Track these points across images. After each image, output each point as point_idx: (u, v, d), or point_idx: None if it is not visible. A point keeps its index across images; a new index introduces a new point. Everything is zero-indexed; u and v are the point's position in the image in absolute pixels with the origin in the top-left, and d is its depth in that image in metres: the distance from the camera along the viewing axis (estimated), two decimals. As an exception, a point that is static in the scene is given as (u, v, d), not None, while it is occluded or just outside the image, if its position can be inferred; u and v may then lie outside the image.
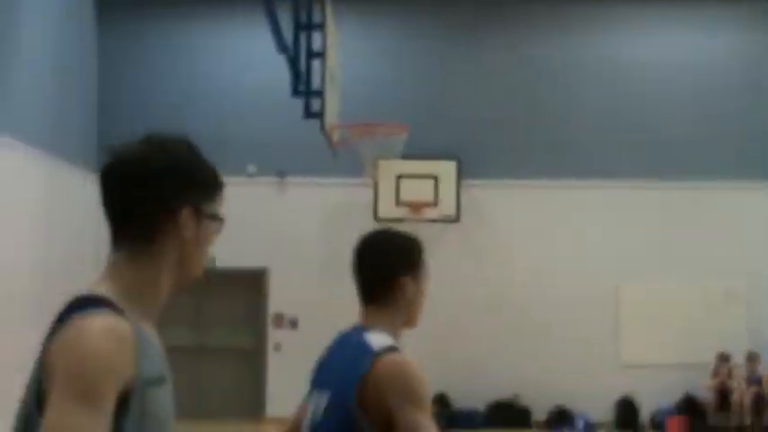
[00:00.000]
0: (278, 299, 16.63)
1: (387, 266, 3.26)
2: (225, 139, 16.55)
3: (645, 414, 16.15)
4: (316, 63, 11.46)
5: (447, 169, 16.32)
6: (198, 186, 2.24)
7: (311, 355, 14.27)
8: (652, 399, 16.10)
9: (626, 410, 16.05)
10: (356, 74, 15.65)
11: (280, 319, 16.68)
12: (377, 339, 3.02)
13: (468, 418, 16.15)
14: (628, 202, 16.48)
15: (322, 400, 3.06)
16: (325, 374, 3.17)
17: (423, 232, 17.41)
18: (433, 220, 16.31)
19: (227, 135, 16.49)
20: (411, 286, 3.22)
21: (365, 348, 2.98)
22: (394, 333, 3.12)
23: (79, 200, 16.10)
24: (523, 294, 16.29)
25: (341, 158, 14.31)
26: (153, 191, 2.17)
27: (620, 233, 16.43)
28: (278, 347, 16.55)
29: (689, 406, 16.10)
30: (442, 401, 16.20)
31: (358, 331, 3.16)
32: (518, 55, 16.93)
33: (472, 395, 16.14)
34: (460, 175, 16.30)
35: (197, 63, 16.90)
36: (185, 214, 2.21)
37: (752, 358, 16.05)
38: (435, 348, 16.31)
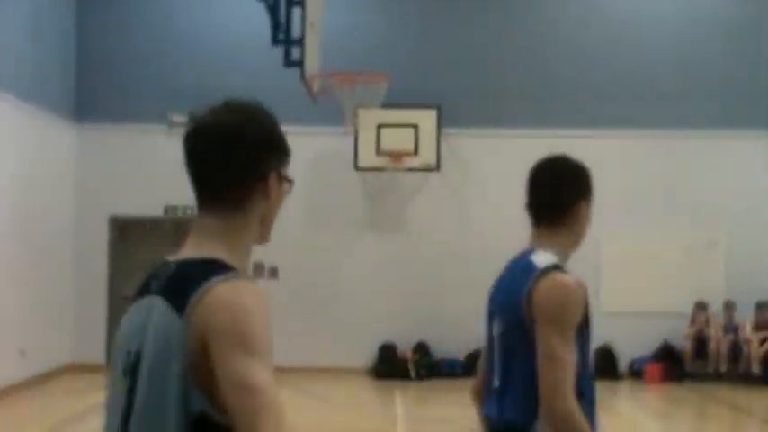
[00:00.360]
0: (257, 248, 16.46)
1: (568, 190, 3.42)
2: (203, 88, 16.41)
3: (624, 362, 16.32)
4: (296, 11, 11.36)
5: (427, 118, 16.27)
6: (280, 152, 2.38)
7: (292, 304, 14.59)
8: (631, 347, 16.26)
9: (605, 358, 16.20)
10: (336, 22, 15.51)
11: (260, 269, 16.68)
12: (543, 258, 3.28)
13: (448, 366, 16.27)
14: (610, 151, 16.47)
15: (495, 323, 3.31)
16: (496, 300, 3.41)
17: (403, 181, 17.62)
18: (414, 169, 16.31)
19: (206, 84, 16.35)
20: (585, 210, 3.43)
21: (531, 267, 3.26)
22: (564, 254, 3.38)
23: (57, 147, 16.00)
24: (504, 244, 16.28)
25: (321, 107, 14.23)
26: (249, 157, 2.28)
27: (603, 183, 16.37)
28: (258, 297, 16.56)
29: (667, 354, 16.27)
30: (422, 350, 16.31)
31: (526, 253, 3.42)
32: (500, 1, 16.82)
33: (452, 344, 16.24)
34: (441, 123, 16.26)
35: (176, 12, 16.72)
36: (272, 178, 2.34)
37: (729, 307, 16.20)
38: (416, 297, 16.40)
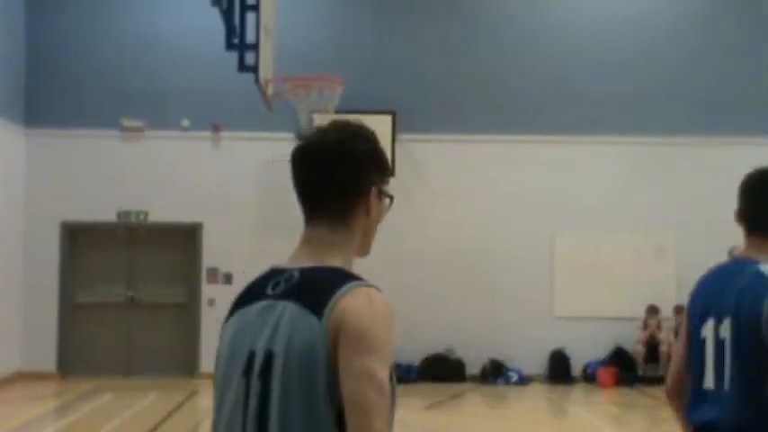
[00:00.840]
0: (212, 254, 16.52)
1: None
2: (158, 93, 16.33)
3: (577, 366, 16.43)
4: (250, 16, 11.32)
5: (383, 123, 16.26)
6: (381, 169, 2.51)
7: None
8: (584, 351, 16.38)
9: (558, 363, 16.31)
10: (291, 27, 15.48)
11: (214, 275, 16.59)
12: None
13: (403, 371, 16.28)
14: (562, 156, 16.62)
15: (723, 327, 3.33)
16: (724, 305, 3.39)
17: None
18: (369, 175, 16.29)
19: (161, 88, 16.27)
20: None
21: (765, 279, 3.25)
22: None
23: (7, 152, 15.80)
24: (459, 248, 16.38)
25: (276, 112, 14.18)
26: (352, 174, 2.43)
27: (556, 188, 16.57)
28: (212, 303, 16.46)
29: (619, 358, 16.42)
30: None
31: (750, 263, 3.41)
32: (455, 8, 16.89)
33: (407, 349, 16.24)
34: (396, 129, 16.28)
35: (129, 16, 16.57)
36: (373, 194, 2.47)
37: (679, 311, 16.38)
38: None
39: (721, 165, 16.56)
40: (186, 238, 16.63)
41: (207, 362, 16.29)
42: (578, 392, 15.76)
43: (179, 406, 13.70)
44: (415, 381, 16.10)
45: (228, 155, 16.58)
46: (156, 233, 16.63)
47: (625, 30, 16.79)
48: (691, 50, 16.80)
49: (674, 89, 16.67)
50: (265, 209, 16.52)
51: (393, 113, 16.25)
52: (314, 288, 2.32)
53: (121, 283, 16.64)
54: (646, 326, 16.46)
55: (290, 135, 15.52)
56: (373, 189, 2.47)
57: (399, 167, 16.36)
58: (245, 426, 2.30)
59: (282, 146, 16.44)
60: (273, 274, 2.43)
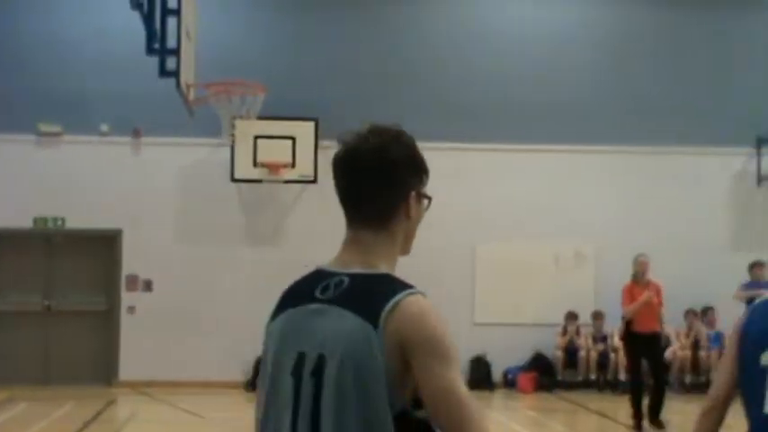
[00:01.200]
0: (132, 261, 16.31)
1: None
2: (77, 97, 16.07)
3: (497, 372, 16.58)
4: (171, 20, 11.21)
5: (305, 130, 16.26)
6: (420, 172, 2.57)
7: (166, 317, 14.26)
8: (504, 357, 16.54)
9: (479, 369, 16.44)
10: (214, 33, 15.37)
11: (133, 282, 16.38)
12: None
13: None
14: (483, 165, 16.77)
15: None
16: None
17: (280, 193, 17.50)
18: (291, 181, 16.28)
19: (80, 92, 16.02)
20: None
21: None
22: None
23: None
24: (380, 256, 16.41)
25: (198, 118, 14.05)
26: (392, 179, 2.50)
27: (477, 196, 16.71)
28: (131, 310, 16.26)
29: (539, 363, 16.62)
30: (298, 363, 16.24)
31: None
32: (380, 16, 16.94)
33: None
34: (318, 135, 16.27)
35: (48, 18, 16.28)
36: (412, 198, 2.53)
37: (597, 317, 16.65)
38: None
39: (640, 174, 16.91)
40: (105, 244, 16.39)
41: (126, 370, 16.07)
42: (499, 398, 15.91)
43: (96, 415, 13.47)
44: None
45: (149, 160, 16.40)
46: (74, 240, 16.36)
47: (546, 40, 17.01)
48: (615, 61, 17.08)
49: (596, 99, 16.93)
50: (187, 215, 16.37)
51: (316, 120, 16.23)
52: (366, 295, 2.40)
53: (38, 291, 16.33)
54: (565, 332, 16.69)
55: (213, 141, 15.42)
56: (412, 193, 2.54)
57: (322, 174, 16.34)
58: (296, 425, 2.40)
59: (204, 151, 16.38)
60: (321, 277, 2.52)
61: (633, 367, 12.72)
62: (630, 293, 12.56)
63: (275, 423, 2.45)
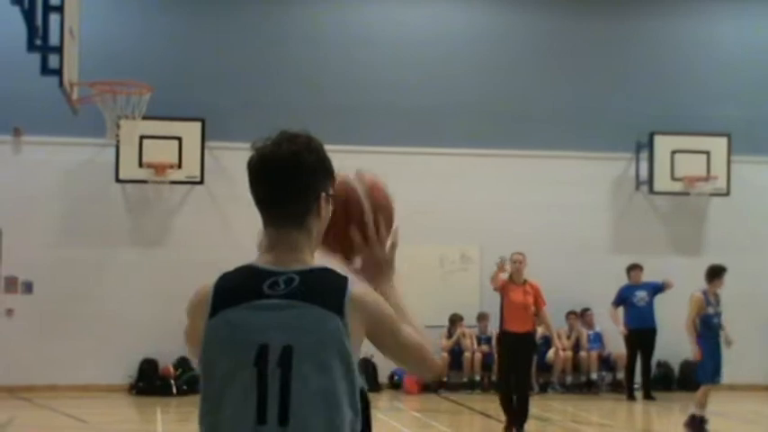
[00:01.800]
0: (11, 262, 15.88)
1: None
2: (-47, 93, 15.59)
3: (383, 374, 16.68)
4: (54, 17, 10.98)
5: (192, 130, 16.12)
6: (329, 175, 2.82)
7: (48, 319, 13.95)
8: (390, 360, 16.61)
9: (365, 371, 16.51)
10: (99, 30, 15.11)
11: (12, 283, 15.96)
12: None
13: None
14: (370, 167, 16.78)
15: None
16: None
17: (166, 194, 17.25)
18: (178, 182, 16.11)
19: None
20: None
21: None
22: None
23: None
24: (268, 258, 16.35)
25: (82, 117, 13.77)
26: (305, 182, 2.73)
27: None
28: (10, 313, 15.85)
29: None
30: (184, 365, 16.07)
31: None
32: (268, 16, 16.89)
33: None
34: (205, 136, 16.14)
35: None
36: (323, 198, 2.77)
37: (482, 318, 16.91)
38: (179, 312, 16.07)
39: (524, 177, 17.25)
40: (-17, 245, 15.94)
41: (4, 374, 15.62)
42: (385, 399, 16.01)
43: (-26, 421, 13.08)
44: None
45: (30, 160, 16.01)
46: (-49, 240, 15.88)
47: (433, 43, 17.21)
48: (499, 65, 17.38)
49: (481, 103, 17.19)
50: (70, 215, 16.05)
51: (202, 120, 16.11)
52: (322, 289, 2.64)
53: None
54: (450, 334, 16.89)
55: (97, 141, 15.14)
56: (323, 194, 2.76)
57: (208, 175, 16.24)
58: (263, 415, 2.55)
59: (88, 151, 16.08)
60: (262, 274, 2.67)
61: (502, 367, 12.49)
62: (504, 290, 12.21)
63: (233, 415, 2.58)
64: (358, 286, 2.71)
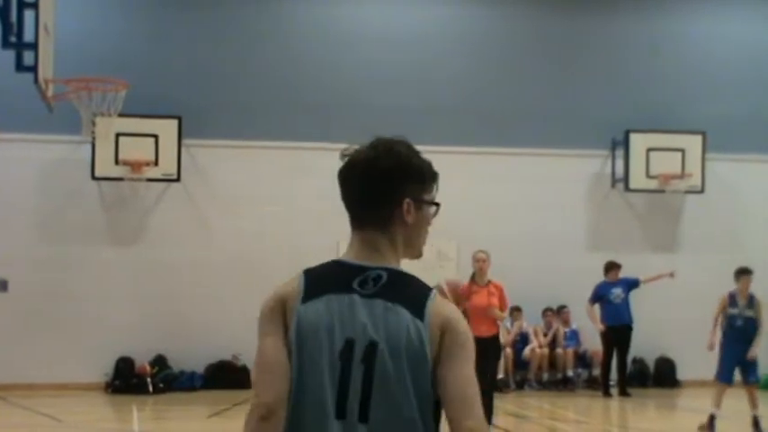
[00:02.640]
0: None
1: None
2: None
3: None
4: (28, 14, 10.91)
5: (168, 128, 16.06)
6: (416, 180, 2.79)
7: (24, 318, 13.87)
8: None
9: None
10: (75, 27, 15.05)
11: (-12, 282, 15.86)
12: None
13: (187, 379, 16.10)
14: (338, 164, 16.85)
15: None
16: None
17: (142, 192, 17.16)
18: (154, 180, 16.06)
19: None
20: None
21: None
22: None
23: None
24: (243, 255, 16.33)
25: (57, 114, 13.70)
26: (382, 187, 2.73)
27: (338, 195, 16.76)
28: (-14, 311, 15.75)
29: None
30: (160, 363, 16.03)
31: None
32: (243, 15, 16.85)
33: (192, 356, 16.09)
34: (182, 133, 16.10)
35: None
36: (408, 204, 2.74)
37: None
38: (155, 310, 16.10)
39: (502, 175, 17.30)
40: (-42, 243, 15.82)
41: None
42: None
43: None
44: (199, 388, 15.95)
45: (5, 157, 15.91)
46: (-75, 238, 15.75)
47: (408, 42, 17.23)
48: (476, 64, 17.42)
49: (457, 101, 17.21)
50: (46, 213, 15.97)
51: (179, 118, 16.06)
52: (407, 290, 2.69)
53: None
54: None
55: (73, 138, 15.05)
56: (407, 199, 2.74)
57: (185, 173, 16.19)
58: (343, 407, 2.58)
59: (63, 148, 15.99)
60: (351, 270, 2.70)
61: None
62: (468, 293, 11.43)
63: (313, 401, 2.60)
64: (439, 299, 2.71)
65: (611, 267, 16.29)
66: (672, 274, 16.02)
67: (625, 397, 15.90)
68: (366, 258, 2.73)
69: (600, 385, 16.28)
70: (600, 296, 16.19)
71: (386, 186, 2.73)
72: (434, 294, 2.69)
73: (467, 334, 2.67)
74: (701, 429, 12.16)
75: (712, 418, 12.13)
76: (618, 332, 15.99)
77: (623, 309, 16.07)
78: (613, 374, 16.26)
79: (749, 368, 12.08)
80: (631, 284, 16.11)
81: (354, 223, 2.81)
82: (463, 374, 2.62)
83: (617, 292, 16.12)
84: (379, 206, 2.74)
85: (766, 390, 15.11)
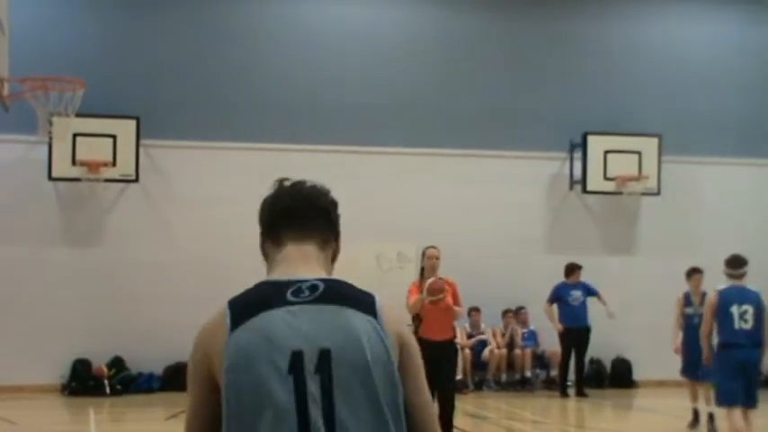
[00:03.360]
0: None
1: None
2: None
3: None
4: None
5: (126, 128, 15.95)
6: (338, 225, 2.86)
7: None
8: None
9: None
10: (31, 26, 14.91)
11: (-58, 283, 15.65)
12: None
13: (145, 381, 15.99)
14: (309, 164, 16.82)
15: None
16: None
17: (100, 192, 17.05)
18: (112, 180, 15.94)
19: None
20: None
21: None
22: None
23: None
24: (205, 256, 16.26)
25: (13, 114, 13.55)
26: (332, 210, 2.84)
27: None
28: (-60, 313, 15.54)
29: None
30: (118, 365, 15.92)
31: None
32: (206, 14, 16.78)
33: (150, 358, 15.98)
34: (140, 134, 15.99)
35: None
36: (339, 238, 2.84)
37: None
38: (112, 311, 15.98)
39: (460, 176, 17.36)
40: None
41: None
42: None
43: None
44: (157, 390, 15.85)
45: (-41, 157, 15.72)
46: None
47: (371, 42, 17.25)
48: (436, 65, 17.46)
49: (417, 102, 17.25)
50: (2, 214, 15.79)
51: (137, 118, 15.95)
52: (350, 295, 2.55)
53: None
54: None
55: (29, 138, 14.90)
56: (339, 232, 2.84)
57: (143, 173, 16.09)
58: (308, 419, 2.37)
59: (19, 148, 15.81)
60: (284, 284, 2.55)
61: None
62: (418, 292, 10.62)
63: (276, 422, 2.36)
64: (385, 302, 2.60)
65: (573, 269, 16.36)
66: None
67: (582, 397, 16.01)
68: (298, 270, 2.61)
69: (557, 386, 16.39)
70: (558, 297, 16.28)
71: (331, 208, 2.82)
72: (379, 297, 2.57)
73: (408, 331, 2.63)
74: (690, 428, 12.57)
75: (696, 413, 12.58)
76: (576, 333, 16.09)
77: (581, 311, 16.17)
78: (571, 375, 16.38)
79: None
80: (591, 292, 16.16)
81: (290, 237, 2.72)
82: (421, 384, 2.58)
83: (576, 294, 16.22)
84: (324, 220, 2.78)
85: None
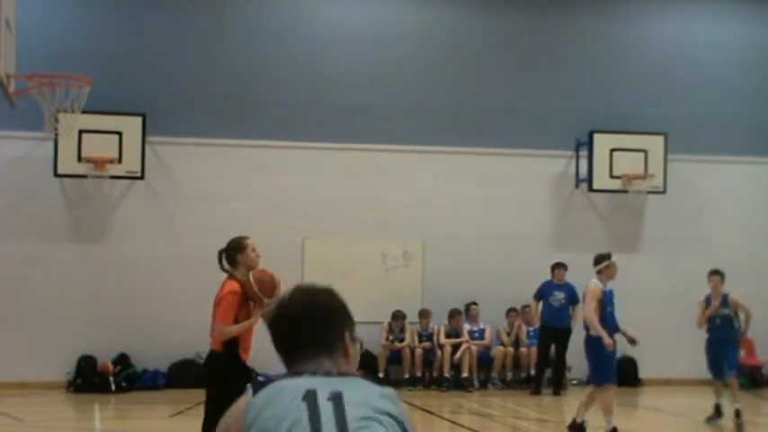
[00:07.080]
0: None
1: None
2: None
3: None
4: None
5: (132, 125, 15.96)
6: (351, 319, 2.93)
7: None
8: None
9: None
10: (38, 23, 14.93)
11: (-52, 279, 15.68)
12: None
13: (150, 378, 16.00)
14: (313, 162, 16.84)
15: None
16: None
17: (106, 189, 17.09)
18: (118, 177, 15.95)
19: None
20: None
21: None
22: None
23: None
24: (208, 253, 16.20)
25: (19, 111, 13.56)
26: (335, 321, 2.86)
27: (307, 193, 16.77)
28: (-54, 309, 15.57)
29: (364, 361, 16.74)
30: (123, 362, 15.93)
31: None
32: (211, 12, 16.78)
33: (155, 355, 15.99)
34: (146, 131, 16.00)
35: None
36: (348, 337, 2.87)
37: (423, 315, 16.96)
38: (118, 308, 16.00)
39: (467, 175, 17.34)
40: None
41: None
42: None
43: None
44: (163, 387, 15.86)
45: (-34, 153, 15.74)
46: None
47: (373, 40, 17.23)
48: (441, 63, 17.44)
49: (423, 100, 17.24)
50: (6, 210, 15.81)
51: (143, 115, 15.96)
52: (360, 378, 2.71)
53: None
54: (391, 329, 16.92)
55: (35, 134, 14.90)
56: (347, 333, 2.85)
57: (149, 170, 16.10)
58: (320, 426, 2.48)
59: (25, 145, 15.83)
60: (300, 373, 2.72)
61: None
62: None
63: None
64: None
65: (557, 267, 16.37)
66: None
67: (557, 396, 15.98)
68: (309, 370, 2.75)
69: (544, 383, 16.36)
70: (542, 295, 16.33)
71: (334, 319, 2.84)
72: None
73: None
74: (709, 419, 12.78)
75: (718, 408, 12.78)
76: (555, 333, 16.12)
77: (563, 312, 16.18)
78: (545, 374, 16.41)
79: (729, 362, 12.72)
80: (573, 300, 15.92)
81: (299, 359, 2.81)
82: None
83: (559, 295, 16.21)
84: (329, 336, 2.81)
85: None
